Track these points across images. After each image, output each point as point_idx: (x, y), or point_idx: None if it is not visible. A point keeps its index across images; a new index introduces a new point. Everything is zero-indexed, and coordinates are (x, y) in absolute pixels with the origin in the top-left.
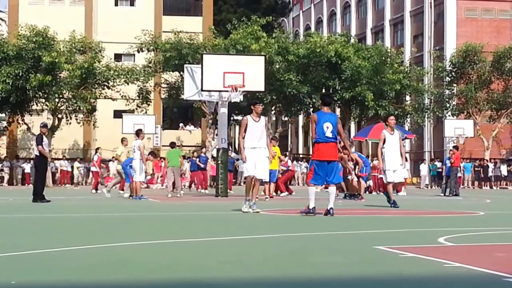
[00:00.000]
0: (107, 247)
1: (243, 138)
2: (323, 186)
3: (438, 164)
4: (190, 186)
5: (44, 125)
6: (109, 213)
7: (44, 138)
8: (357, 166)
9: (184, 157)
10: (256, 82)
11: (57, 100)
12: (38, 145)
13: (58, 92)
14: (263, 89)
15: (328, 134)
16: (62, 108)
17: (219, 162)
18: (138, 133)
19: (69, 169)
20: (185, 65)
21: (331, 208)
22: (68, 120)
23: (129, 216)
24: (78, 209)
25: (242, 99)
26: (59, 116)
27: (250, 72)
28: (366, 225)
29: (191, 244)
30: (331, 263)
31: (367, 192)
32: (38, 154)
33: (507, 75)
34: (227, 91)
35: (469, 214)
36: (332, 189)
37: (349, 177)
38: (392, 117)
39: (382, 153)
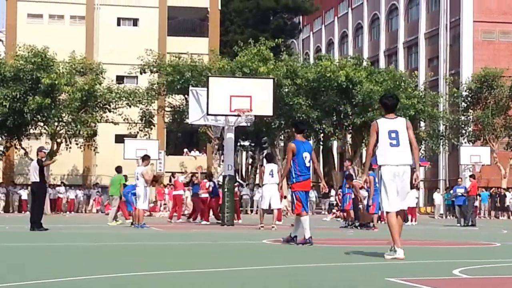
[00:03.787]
0: (103, 278)
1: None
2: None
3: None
4: (192, 217)
5: (42, 148)
6: (109, 242)
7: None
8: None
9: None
10: (264, 106)
11: (56, 123)
12: (40, 165)
13: (57, 115)
14: (271, 114)
15: (307, 164)
16: (61, 132)
17: (226, 190)
18: (144, 158)
19: (71, 196)
20: (190, 88)
21: (310, 236)
22: (67, 145)
23: (130, 246)
24: (77, 237)
25: (249, 124)
26: (58, 140)
27: (258, 96)
28: (378, 256)
29: (193, 275)
30: None
31: (379, 222)
32: (37, 180)
33: None
34: (234, 115)
35: (485, 246)
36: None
37: (361, 206)
38: None
39: None
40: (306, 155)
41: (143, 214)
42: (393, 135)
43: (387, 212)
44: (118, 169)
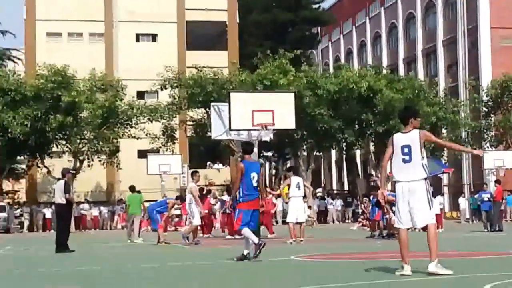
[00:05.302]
0: None
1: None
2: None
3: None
4: (223, 230)
5: (69, 171)
6: (139, 263)
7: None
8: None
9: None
10: (286, 119)
11: (78, 141)
12: (66, 193)
13: (79, 133)
14: (293, 127)
15: (254, 184)
16: (83, 149)
17: None
18: (193, 175)
19: (95, 213)
20: (212, 104)
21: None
22: (90, 162)
23: (161, 268)
24: (103, 259)
25: (272, 138)
26: (81, 158)
27: (280, 110)
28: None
29: None
30: None
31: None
32: (62, 202)
33: None
34: (256, 129)
35: None
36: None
37: (387, 216)
38: None
39: None
40: (254, 175)
41: (196, 229)
42: (406, 150)
43: (397, 228)
44: (132, 188)
